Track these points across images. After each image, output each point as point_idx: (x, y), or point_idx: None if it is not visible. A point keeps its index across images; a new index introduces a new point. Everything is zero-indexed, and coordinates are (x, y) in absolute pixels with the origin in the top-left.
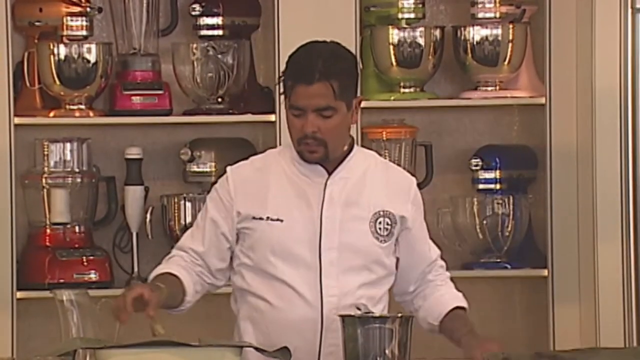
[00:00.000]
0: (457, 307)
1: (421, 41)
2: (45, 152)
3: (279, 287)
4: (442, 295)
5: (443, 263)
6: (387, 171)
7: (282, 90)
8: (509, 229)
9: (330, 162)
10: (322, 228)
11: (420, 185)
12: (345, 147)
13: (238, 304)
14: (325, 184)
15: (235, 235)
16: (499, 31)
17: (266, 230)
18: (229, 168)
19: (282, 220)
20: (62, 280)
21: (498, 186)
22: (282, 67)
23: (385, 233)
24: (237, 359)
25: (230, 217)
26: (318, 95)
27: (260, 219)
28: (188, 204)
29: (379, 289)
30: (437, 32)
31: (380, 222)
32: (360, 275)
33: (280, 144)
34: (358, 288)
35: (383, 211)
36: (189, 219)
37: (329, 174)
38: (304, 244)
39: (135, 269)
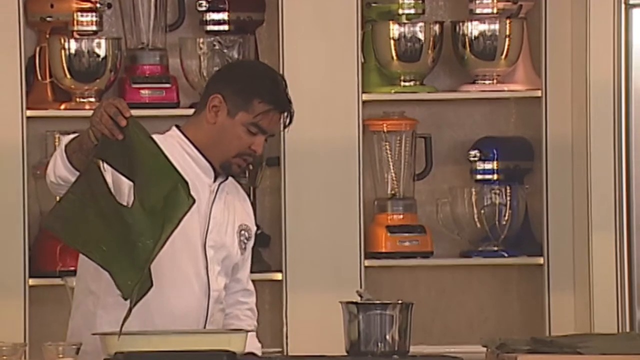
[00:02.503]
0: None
1: (421, 36)
2: (57, 144)
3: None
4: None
5: (255, 310)
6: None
7: (241, 106)
8: (506, 218)
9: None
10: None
11: (419, 176)
12: None
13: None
14: (218, 188)
15: None
16: (496, 26)
17: None
18: None
19: None
20: (72, 268)
21: (495, 177)
22: (285, 63)
23: (243, 246)
24: (244, 344)
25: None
26: (280, 123)
27: None
28: None
29: None
30: (437, 27)
31: (242, 235)
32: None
33: (283, 136)
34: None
35: (244, 224)
36: None
37: (215, 177)
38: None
39: None
